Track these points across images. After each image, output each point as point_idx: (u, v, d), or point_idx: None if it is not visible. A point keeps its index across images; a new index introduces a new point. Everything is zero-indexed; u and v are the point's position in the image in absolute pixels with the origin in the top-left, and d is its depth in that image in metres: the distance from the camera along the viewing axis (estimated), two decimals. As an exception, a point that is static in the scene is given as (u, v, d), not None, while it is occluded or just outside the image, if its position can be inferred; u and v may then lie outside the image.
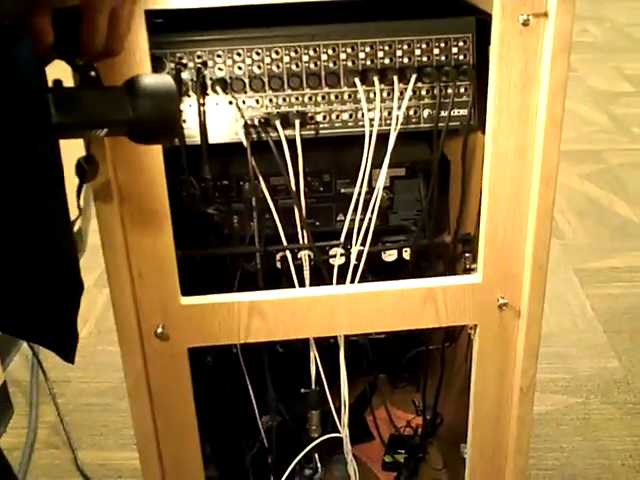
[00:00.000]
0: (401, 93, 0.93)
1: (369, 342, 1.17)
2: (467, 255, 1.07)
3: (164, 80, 0.65)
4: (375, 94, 0.92)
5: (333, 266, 1.02)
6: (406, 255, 1.09)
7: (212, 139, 0.93)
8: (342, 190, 1.05)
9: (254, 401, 1.11)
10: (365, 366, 1.18)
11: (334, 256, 1.03)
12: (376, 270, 1.05)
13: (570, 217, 2.54)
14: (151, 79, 0.64)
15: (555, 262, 2.29)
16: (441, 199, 1.11)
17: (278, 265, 1.03)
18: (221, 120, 0.93)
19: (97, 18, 0.58)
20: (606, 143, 3.13)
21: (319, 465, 1.19)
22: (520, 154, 0.84)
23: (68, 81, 0.66)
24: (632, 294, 2.14)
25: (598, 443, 1.63)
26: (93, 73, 0.63)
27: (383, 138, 0.94)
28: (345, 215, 1.00)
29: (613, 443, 1.63)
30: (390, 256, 1.10)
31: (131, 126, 0.63)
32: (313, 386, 1.07)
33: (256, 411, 1.13)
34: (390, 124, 0.93)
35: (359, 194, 0.95)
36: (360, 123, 0.95)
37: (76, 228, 2.38)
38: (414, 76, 0.92)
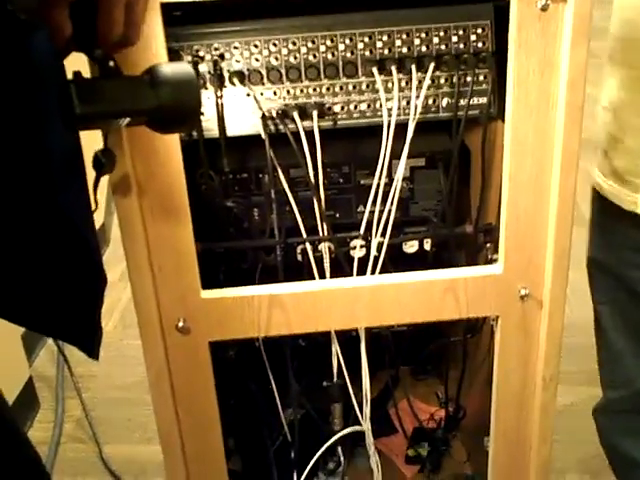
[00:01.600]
0: (419, 82, 0.92)
1: (391, 334, 1.16)
2: (489, 245, 1.06)
3: (184, 68, 0.64)
4: (393, 84, 0.92)
5: (353, 258, 1.01)
6: (427, 246, 1.09)
7: (230, 132, 0.93)
8: (362, 181, 1.05)
9: (277, 394, 1.11)
10: (387, 359, 1.18)
11: (354, 248, 1.03)
12: (397, 261, 1.04)
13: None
14: (171, 67, 0.64)
15: (578, 251, 2.26)
16: (462, 189, 1.10)
17: (299, 258, 1.03)
18: (239, 112, 0.93)
19: (113, 9, 0.58)
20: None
21: (342, 458, 1.19)
22: (540, 142, 0.83)
23: (85, 73, 0.66)
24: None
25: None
26: (112, 63, 0.63)
27: (402, 128, 0.93)
28: (365, 206, 0.99)
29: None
30: (411, 247, 1.09)
31: (152, 114, 0.63)
32: (335, 379, 1.07)
33: (279, 404, 1.13)
34: (408, 114, 0.93)
35: (378, 185, 0.94)
36: (378, 113, 0.94)
37: (100, 223, 2.40)
38: (432, 65, 0.91)
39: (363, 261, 1.01)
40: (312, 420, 1.16)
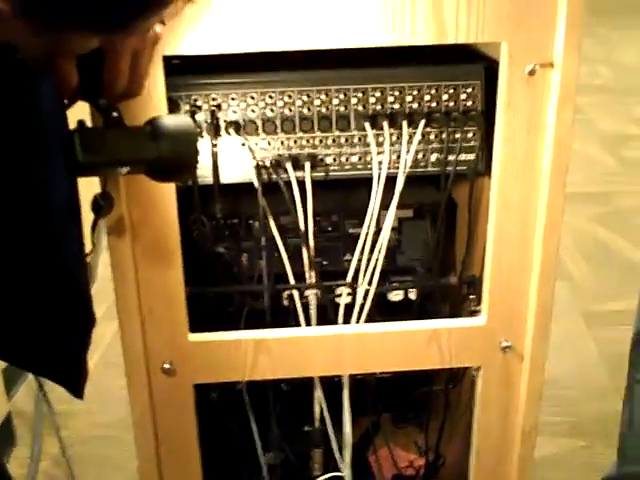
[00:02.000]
0: (410, 137, 0.95)
1: (374, 381, 1.17)
2: (472, 297, 1.08)
3: (185, 121, 0.67)
4: (384, 138, 0.94)
5: (340, 305, 1.03)
6: (412, 295, 1.11)
7: (224, 179, 0.95)
8: (350, 230, 1.07)
9: (257, 438, 1.11)
10: (369, 405, 1.19)
11: (341, 295, 1.04)
12: (382, 310, 1.06)
13: (578, 259, 2.54)
14: (172, 120, 0.66)
15: (562, 304, 2.30)
16: (448, 241, 1.13)
17: (285, 303, 1.04)
18: (234, 161, 0.95)
19: (120, 62, 0.60)
20: (615, 185, 3.15)
21: (321, 504, 1.19)
22: (525, 199, 0.85)
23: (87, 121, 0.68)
24: (639, 338, 2.14)
25: (603, 488, 1.62)
26: (115, 114, 0.65)
27: (391, 180, 0.95)
28: (352, 255, 1.01)
29: (618, 488, 1.62)
30: (396, 296, 1.11)
31: (152, 165, 0.65)
32: (316, 424, 1.08)
33: (259, 448, 1.13)
34: (398, 167, 0.95)
35: (366, 235, 0.96)
36: (369, 166, 0.96)
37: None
38: (423, 121, 0.94)
39: (349, 308, 1.02)
40: (292, 465, 1.17)
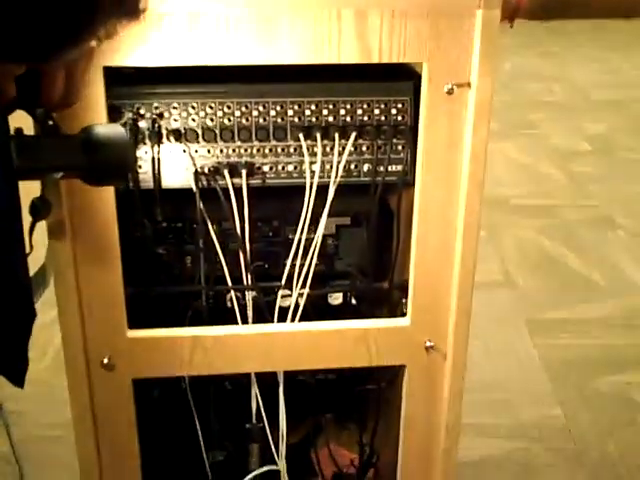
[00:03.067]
0: (343, 148, 1.01)
1: (317, 382, 1.23)
2: (404, 301, 1.13)
3: (116, 130, 0.72)
4: (318, 149, 1.00)
5: (280, 307, 1.08)
6: (352, 299, 1.16)
7: (165, 184, 1.00)
8: (290, 236, 1.12)
9: (200, 436, 1.16)
10: (312, 406, 1.24)
11: (281, 297, 1.10)
12: (323, 313, 1.11)
13: (523, 269, 2.63)
14: (105, 129, 0.71)
15: (507, 312, 2.38)
16: (385, 247, 1.19)
17: (229, 305, 1.09)
18: (175, 167, 1.00)
19: (54, 75, 0.65)
20: (562, 199, 3.25)
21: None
22: (445, 209, 0.92)
23: (28, 129, 0.72)
24: (579, 345, 2.23)
25: (537, 488, 1.69)
26: (51, 122, 0.70)
27: (327, 189, 1.01)
28: (293, 259, 1.06)
29: (552, 489, 1.70)
30: (336, 300, 1.17)
31: (85, 171, 0.70)
32: (254, 420, 1.13)
33: (202, 446, 1.18)
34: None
35: (299, 240, 1.02)
36: (304, 175, 1.02)
37: (39, 265, 2.42)
38: (354, 134, 1.00)
39: (288, 310, 1.08)
40: (233, 460, 1.21)
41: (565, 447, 1.81)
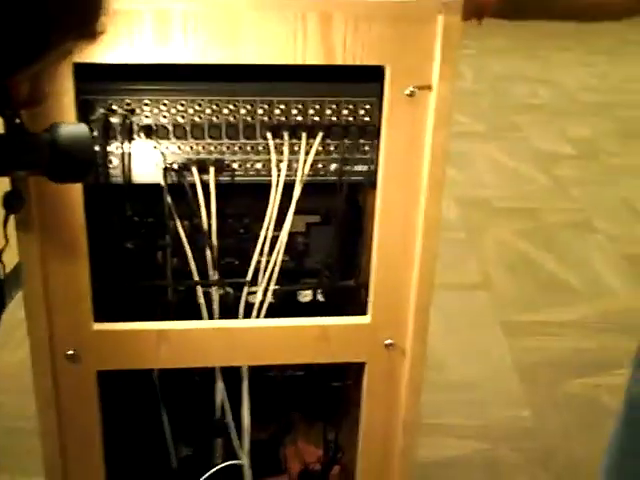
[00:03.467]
0: (310, 147, 1.03)
1: (285, 379, 1.25)
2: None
3: (80, 130, 0.74)
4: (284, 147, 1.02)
5: (249, 303, 1.10)
6: (320, 297, 1.18)
7: (135, 180, 1.02)
8: (259, 232, 1.14)
9: (167, 430, 1.17)
10: (280, 402, 1.26)
11: (249, 294, 1.11)
12: (293, 310, 1.13)
13: (501, 271, 2.66)
14: (67, 129, 0.73)
15: (482, 313, 2.41)
16: (355, 245, 1.21)
17: (198, 301, 1.11)
18: (145, 163, 1.01)
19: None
20: (543, 202, 3.28)
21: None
22: (406, 209, 0.94)
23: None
24: (551, 347, 2.25)
25: (502, 488, 1.72)
26: (18, 120, 0.72)
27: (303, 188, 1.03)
28: (261, 255, 1.08)
29: (517, 489, 1.72)
30: (305, 297, 1.18)
31: (48, 169, 0.72)
32: (218, 415, 1.14)
33: (169, 440, 1.19)
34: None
35: (265, 237, 1.04)
36: (272, 173, 1.04)
37: (15, 262, 2.43)
38: (321, 133, 1.02)
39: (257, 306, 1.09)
40: (198, 454, 1.23)
41: (531, 448, 1.84)
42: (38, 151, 0.71)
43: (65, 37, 0.59)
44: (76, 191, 0.88)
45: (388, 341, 0.99)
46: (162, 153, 1.01)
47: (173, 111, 1.01)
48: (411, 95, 0.88)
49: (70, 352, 0.94)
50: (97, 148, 0.97)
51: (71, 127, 0.73)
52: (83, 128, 0.73)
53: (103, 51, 0.85)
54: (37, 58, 0.58)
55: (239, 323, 1.01)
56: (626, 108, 4.71)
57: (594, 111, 4.64)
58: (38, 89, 0.71)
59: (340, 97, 1.04)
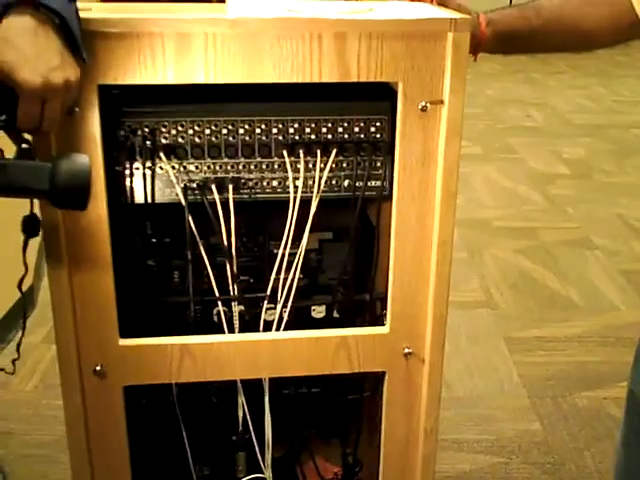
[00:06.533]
0: (325, 164, 1.06)
1: (300, 396, 1.26)
2: (385, 312, 1.18)
3: (80, 161, 0.77)
4: (300, 165, 1.05)
5: (265, 321, 1.12)
6: (335, 313, 1.20)
7: (156, 199, 1.05)
8: (274, 250, 1.16)
9: (188, 448, 1.18)
10: (296, 419, 1.27)
11: (266, 310, 1.14)
12: (306, 327, 1.15)
13: (503, 289, 2.69)
14: (69, 160, 0.77)
15: (486, 330, 2.43)
16: (367, 260, 1.23)
17: (216, 319, 1.13)
18: (165, 182, 1.04)
19: (29, 107, 0.73)
20: (541, 221, 3.32)
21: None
22: (421, 221, 0.97)
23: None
24: (556, 362, 2.28)
25: (517, 500, 1.73)
26: (26, 145, 0.76)
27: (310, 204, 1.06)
28: (277, 273, 1.11)
29: (531, 500, 1.74)
30: (319, 313, 1.21)
31: (48, 196, 0.76)
32: (240, 429, 1.16)
33: (189, 457, 1.21)
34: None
35: (283, 255, 1.06)
36: (288, 190, 1.07)
37: (27, 285, 2.45)
38: (334, 150, 1.05)
39: (272, 324, 1.11)
40: (220, 468, 1.24)
41: (544, 461, 1.85)
42: (38, 179, 0.75)
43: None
44: (101, 212, 0.91)
45: (407, 350, 1.02)
46: (180, 172, 1.04)
47: (190, 132, 1.04)
48: (424, 110, 0.92)
49: (98, 368, 0.96)
50: (119, 168, 1.00)
51: (72, 158, 0.77)
52: (83, 159, 0.77)
53: (127, 73, 0.88)
54: None
55: (260, 336, 1.03)
56: (619, 128, 4.78)
57: (587, 132, 4.70)
58: (49, 117, 0.75)
59: (352, 115, 1.07)
